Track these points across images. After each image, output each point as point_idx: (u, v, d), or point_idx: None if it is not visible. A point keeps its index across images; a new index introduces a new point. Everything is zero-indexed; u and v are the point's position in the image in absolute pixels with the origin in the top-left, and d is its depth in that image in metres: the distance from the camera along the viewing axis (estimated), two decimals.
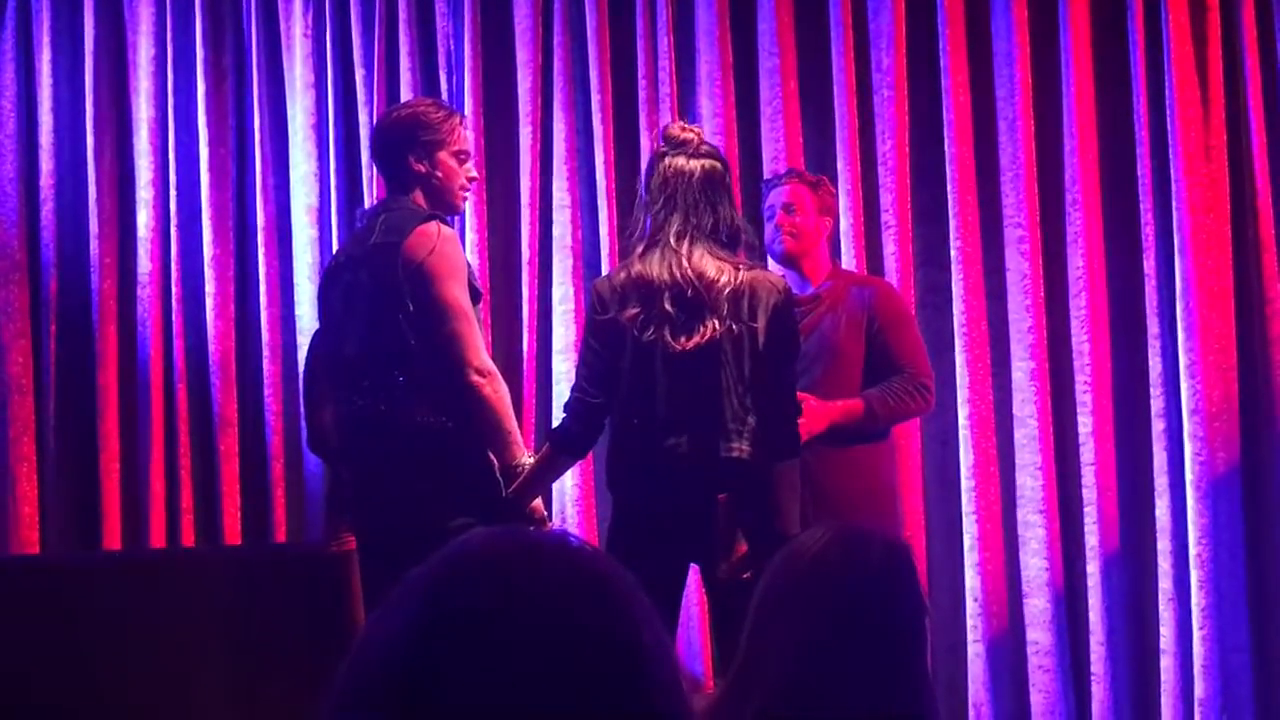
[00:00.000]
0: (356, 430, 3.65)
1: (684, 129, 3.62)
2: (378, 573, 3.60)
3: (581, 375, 3.58)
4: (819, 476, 4.22)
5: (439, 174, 3.65)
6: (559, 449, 3.63)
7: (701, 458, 3.51)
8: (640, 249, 3.56)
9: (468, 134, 3.77)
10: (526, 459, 3.54)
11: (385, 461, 3.61)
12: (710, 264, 3.50)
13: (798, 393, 4.09)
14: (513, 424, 3.54)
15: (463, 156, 3.69)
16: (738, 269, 3.52)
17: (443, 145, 3.65)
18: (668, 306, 3.48)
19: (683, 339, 3.48)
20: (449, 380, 3.52)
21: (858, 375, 4.36)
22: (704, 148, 3.59)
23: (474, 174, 3.74)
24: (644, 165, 3.64)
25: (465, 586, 1.11)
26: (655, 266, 3.51)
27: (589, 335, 3.59)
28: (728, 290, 3.49)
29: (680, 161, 3.54)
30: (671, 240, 3.51)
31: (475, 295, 3.60)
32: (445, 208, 3.73)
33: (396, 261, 3.54)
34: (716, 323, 3.48)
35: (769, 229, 4.46)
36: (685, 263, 3.50)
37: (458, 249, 3.56)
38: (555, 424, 3.70)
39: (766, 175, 4.88)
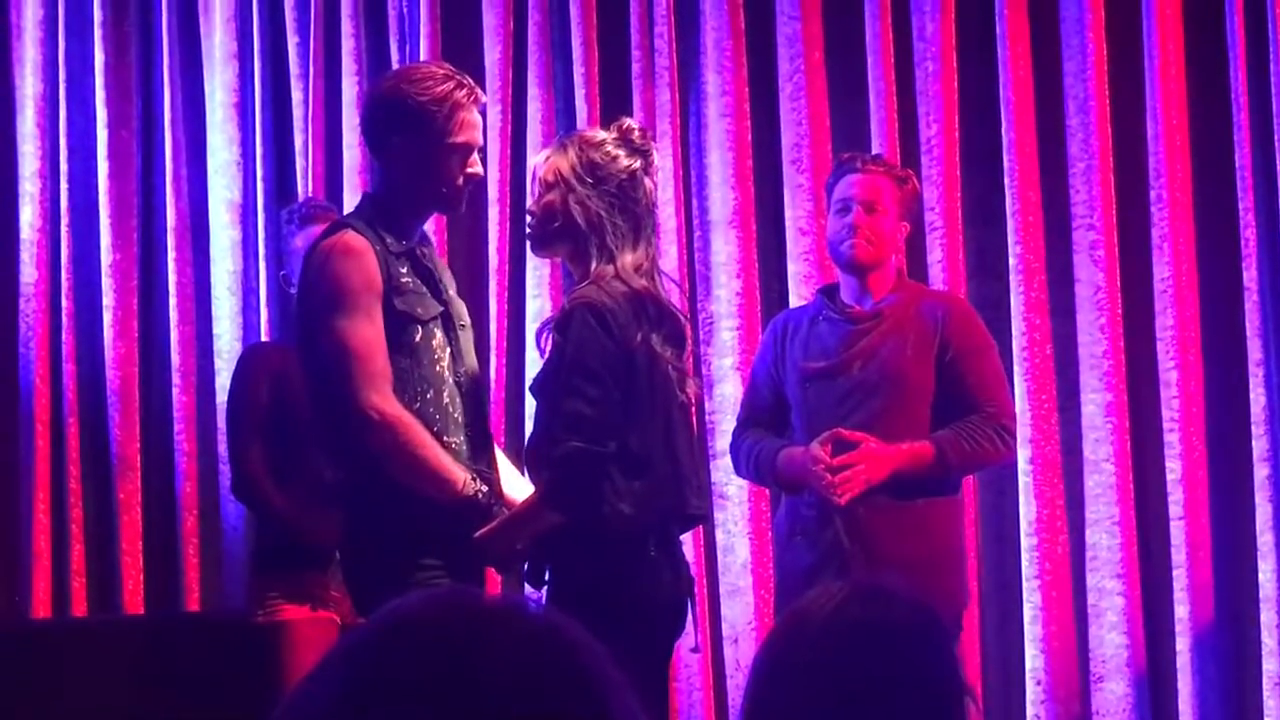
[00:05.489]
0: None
1: (646, 139, 3.74)
2: None
3: (589, 418, 3.50)
4: (874, 535, 4.17)
5: (427, 169, 3.59)
6: (556, 510, 3.60)
7: (699, 520, 3.92)
8: (629, 265, 3.58)
9: (478, 119, 3.64)
10: (474, 485, 3.54)
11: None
12: None
13: (853, 431, 4.11)
14: (427, 457, 3.48)
15: (465, 150, 3.60)
16: None
17: (440, 138, 3.57)
18: (690, 343, 3.71)
19: (696, 382, 3.79)
20: (337, 430, 3.58)
21: (925, 411, 4.29)
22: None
23: (477, 169, 3.65)
24: (601, 158, 3.62)
25: (397, 658, 1.13)
26: (663, 301, 3.64)
27: (596, 367, 3.52)
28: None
29: (652, 186, 3.70)
30: (655, 269, 3.68)
31: (403, 318, 3.52)
32: (435, 205, 3.74)
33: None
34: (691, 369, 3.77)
35: (837, 224, 4.37)
36: (671, 297, 3.72)
37: (355, 267, 3.49)
38: (554, 482, 3.56)
39: (841, 155, 4.67)
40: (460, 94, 3.58)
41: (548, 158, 3.67)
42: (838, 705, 1.84)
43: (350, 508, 3.61)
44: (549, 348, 3.63)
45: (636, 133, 3.68)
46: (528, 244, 3.89)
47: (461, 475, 3.51)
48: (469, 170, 3.61)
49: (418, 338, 3.55)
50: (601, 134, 3.70)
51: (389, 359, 3.51)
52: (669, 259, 5.12)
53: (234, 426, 4.62)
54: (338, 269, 3.50)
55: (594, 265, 3.59)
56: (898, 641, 1.89)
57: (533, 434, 3.71)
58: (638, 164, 3.63)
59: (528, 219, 3.76)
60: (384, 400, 3.47)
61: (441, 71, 3.65)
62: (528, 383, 5.29)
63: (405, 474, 3.49)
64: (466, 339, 3.67)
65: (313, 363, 3.58)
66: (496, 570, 4.12)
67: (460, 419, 3.59)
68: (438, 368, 3.57)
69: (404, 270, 3.56)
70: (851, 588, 1.91)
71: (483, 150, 3.72)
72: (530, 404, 5.28)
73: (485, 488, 3.55)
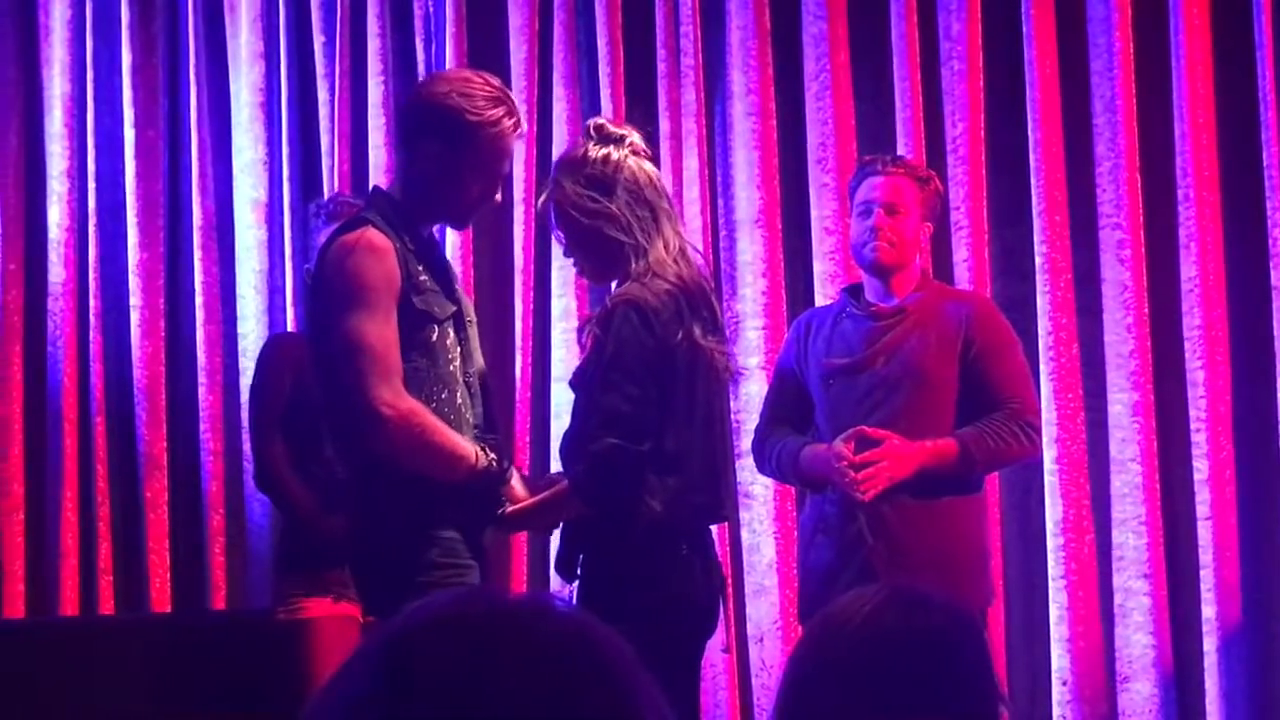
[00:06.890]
0: None
1: (618, 125, 3.73)
2: None
3: (626, 416, 3.51)
4: (897, 532, 4.16)
5: (450, 183, 3.59)
6: (586, 504, 3.61)
7: (724, 519, 3.94)
8: (661, 253, 3.59)
9: (513, 150, 3.65)
10: (485, 456, 3.55)
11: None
12: None
13: (876, 428, 4.10)
14: (440, 442, 3.49)
15: (494, 177, 3.61)
16: None
17: (475, 158, 3.56)
18: (719, 311, 3.75)
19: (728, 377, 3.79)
20: (346, 424, 3.58)
21: (949, 408, 4.28)
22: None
23: (497, 196, 3.66)
24: (591, 169, 3.61)
25: (424, 657, 1.12)
26: (696, 281, 3.64)
27: (635, 365, 3.53)
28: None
29: (649, 165, 3.68)
30: (684, 243, 3.68)
31: (422, 317, 3.53)
32: (444, 217, 3.75)
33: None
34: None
35: (859, 227, 4.37)
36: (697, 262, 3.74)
37: (377, 264, 3.50)
38: (588, 477, 3.56)
39: (863, 157, 4.70)
40: (508, 123, 3.59)
41: (553, 199, 3.66)
42: (872, 711, 1.82)
43: (358, 504, 3.62)
44: (589, 343, 3.64)
45: (607, 125, 3.70)
46: (578, 274, 3.91)
47: (472, 449, 3.54)
48: (489, 199, 3.65)
49: (434, 337, 3.58)
50: (579, 149, 3.71)
51: (405, 358, 3.53)
52: None
53: (257, 417, 4.61)
54: (359, 265, 3.50)
55: (632, 265, 3.60)
56: (933, 647, 1.87)
57: (569, 427, 3.71)
58: (625, 152, 3.63)
59: (573, 264, 3.81)
60: (396, 395, 3.48)
61: (494, 93, 3.62)
62: (552, 380, 5.31)
63: (419, 462, 3.50)
64: (474, 335, 3.70)
65: (324, 356, 3.59)
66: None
67: (470, 419, 3.62)
68: (451, 367, 3.60)
69: (421, 268, 3.57)
70: (887, 592, 1.90)
71: (508, 175, 3.75)
72: (555, 401, 5.29)
73: (495, 456, 3.59)
